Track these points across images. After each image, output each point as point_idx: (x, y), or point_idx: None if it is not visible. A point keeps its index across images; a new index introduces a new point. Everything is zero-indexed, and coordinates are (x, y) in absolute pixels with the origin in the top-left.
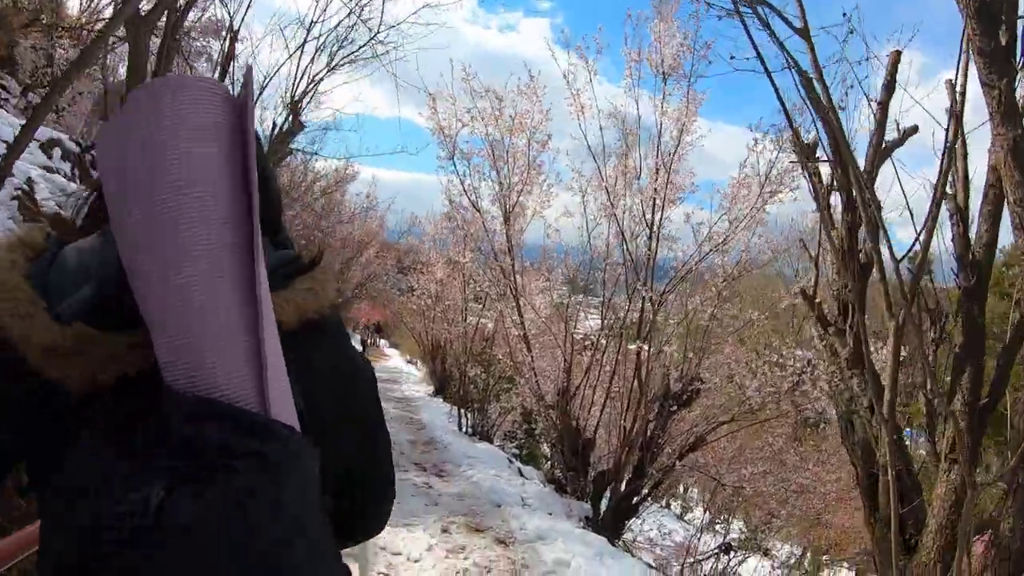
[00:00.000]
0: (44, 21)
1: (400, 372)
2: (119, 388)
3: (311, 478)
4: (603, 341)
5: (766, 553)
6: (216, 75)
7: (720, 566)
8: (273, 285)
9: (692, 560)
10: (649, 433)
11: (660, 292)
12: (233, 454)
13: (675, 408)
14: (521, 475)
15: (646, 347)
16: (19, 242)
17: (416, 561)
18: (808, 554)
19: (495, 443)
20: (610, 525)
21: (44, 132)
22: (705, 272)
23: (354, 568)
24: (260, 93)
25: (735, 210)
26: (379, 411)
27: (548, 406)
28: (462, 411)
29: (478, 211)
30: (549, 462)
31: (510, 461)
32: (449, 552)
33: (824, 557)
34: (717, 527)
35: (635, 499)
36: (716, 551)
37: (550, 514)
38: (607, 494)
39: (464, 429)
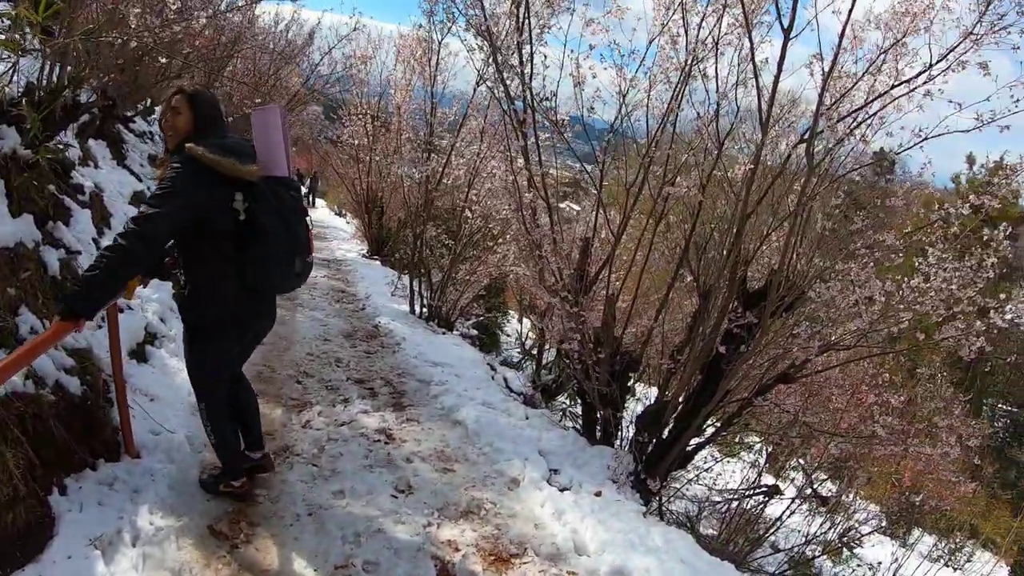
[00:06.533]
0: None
1: (327, 226)
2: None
3: (300, 188)
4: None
5: (824, 502)
6: None
7: (758, 509)
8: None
9: (725, 499)
10: (724, 350)
11: None
12: (290, 183)
13: (777, 311)
14: (510, 391)
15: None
16: (201, 149)
17: None
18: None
19: (456, 331)
20: (656, 482)
21: None
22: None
23: None
24: None
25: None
26: None
27: (569, 301)
28: (413, 284)
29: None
30: (528, 359)
31: (491, 368)
32: None
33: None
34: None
35: (692, 445)
36: (756, 490)
37: (598, 495)
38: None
39: (419, 312)
